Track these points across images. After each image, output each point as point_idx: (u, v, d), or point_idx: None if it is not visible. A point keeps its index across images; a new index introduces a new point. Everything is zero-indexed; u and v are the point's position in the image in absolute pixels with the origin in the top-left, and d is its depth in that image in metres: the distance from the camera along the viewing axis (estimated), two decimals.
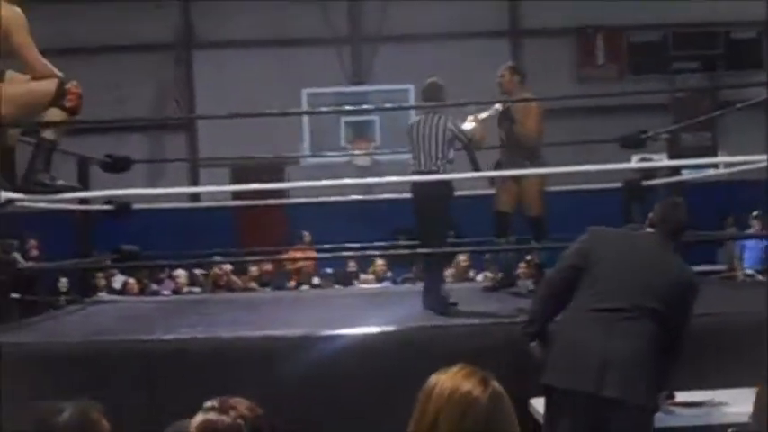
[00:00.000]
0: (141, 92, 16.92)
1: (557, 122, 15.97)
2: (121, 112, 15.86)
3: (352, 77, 17.13)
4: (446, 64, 15.02)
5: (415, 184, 6.78)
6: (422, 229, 6.85)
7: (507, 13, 17.69)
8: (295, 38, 17.09)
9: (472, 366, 2.40)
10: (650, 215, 4.69)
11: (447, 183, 6.74)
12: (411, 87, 14.60)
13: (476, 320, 5.93)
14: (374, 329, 5.63)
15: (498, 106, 7.61)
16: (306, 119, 14.90)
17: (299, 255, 13.08)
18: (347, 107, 14.46)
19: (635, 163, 12.97)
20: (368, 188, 12.92)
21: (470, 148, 6.99)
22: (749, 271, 12.71)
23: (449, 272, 11.71)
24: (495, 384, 2.36)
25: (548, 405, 4.37)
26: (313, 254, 13.05)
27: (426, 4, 17.09)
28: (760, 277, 12.32)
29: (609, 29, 17.60)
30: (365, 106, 14.50)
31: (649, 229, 4.68)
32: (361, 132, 15.04)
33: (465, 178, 7.47)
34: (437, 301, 6.53)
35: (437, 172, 6.67)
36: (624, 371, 4.20)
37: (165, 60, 17.37)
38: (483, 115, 7.40)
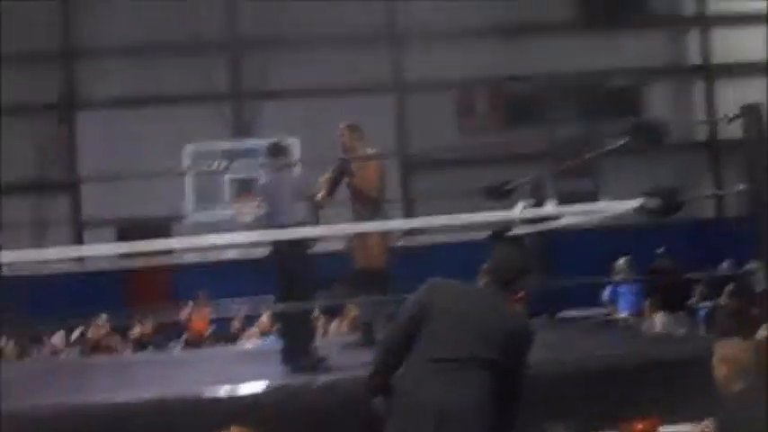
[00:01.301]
0: (22, 153, 16.63)
1: (440, 174, 16.42)
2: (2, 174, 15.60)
3: (236, 133, 17.11)
4: (330, 118, 15.10)
5: (272, 242, 6.81)
6: (282, 286, 6.84)
7: (390, 66, 17.88)
8: (177, 94, 17.01)
9: (245, 427, 2.44)
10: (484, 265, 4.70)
11: (303, 239, 6.77)
12: (296, 142, 14.63)
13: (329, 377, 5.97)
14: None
15: (331, 173, 7.70)
16: (189, 176, 14.77)
17: (193, 314, 12.97)
18: (230, 164, 14.38)
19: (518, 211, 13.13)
20: (255, 244, 12.87)
21: (314, 205, 7.07)
22: (623, 314, 12.96)
23: (339, 325, 11.72)
24: None
25: None
26: (207, 312, 12.95)
27: (309, 59, 17.21)
28: (632, 320, 12.58)
29: (488, 81, 17.92)
30: (249, 161, 14.43)
31: (485, 279, 4.69)
32: (244, 188, 14.95)
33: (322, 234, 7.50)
34: (303, 357, 6.52)
35: (289, 226, 6.74)
36: (462, 423, 4.22)
37: (46, 121, 17.13)
38: (326, 176, 7.60)
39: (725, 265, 12.88)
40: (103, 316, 11.49)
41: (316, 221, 7.28)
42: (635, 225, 10.76)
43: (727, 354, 4.89)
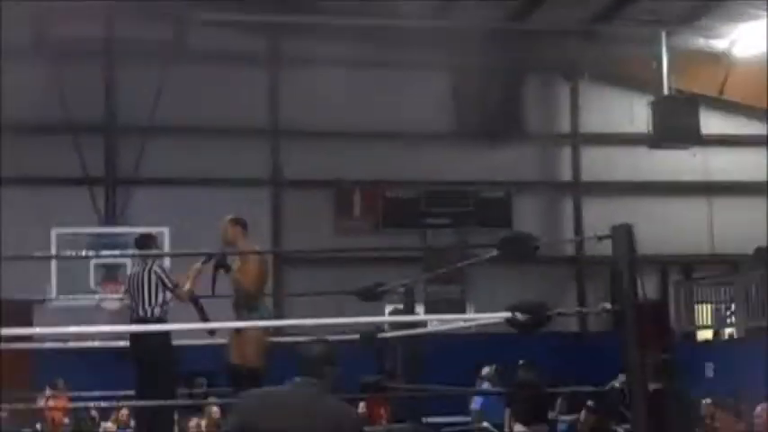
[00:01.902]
0: None
1: (315, 272, 16.39)
2: None
3: (105, 218, 16.81)
4: (205, 208, 15.01)
5: (132, 334, 6.72)
6: (141, 379, 6.70)
7: (269, 161, 17.89)
8: (48, 176, 16.66)
9: None
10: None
11: (165, 332, 6.72)
12: (166, 230, 14.46)
13: None
14: None
15: (199, 264, 7.62)
16: (54, 260, 14.44)
17: (51, 403, 12.54)
18: (97, 249, 14.10)
19: (387, 315, 13.29)
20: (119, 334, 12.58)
21: (178, 296, 7.00)
22: (484, 424, 13.01)
23: (198, 424, 11.46)
24: None
25: None
26: (66, 401, 12.52)
27: (187, 148, 17.12)
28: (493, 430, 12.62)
29: (365, 183, 18.09)
30: (116, 249, 14.17)
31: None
32: (111, 275, 14.68)
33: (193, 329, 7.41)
34: None
35: (151, 318, 6.68)
36: None
37: None
38: (196, 265, 7.53)
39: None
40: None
41: (201, 313, 7.20)
42: (503, 333, 10.87)
43: None
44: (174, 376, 6.81)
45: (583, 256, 18.36)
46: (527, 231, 8.00)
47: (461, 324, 9.61)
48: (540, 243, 6.87)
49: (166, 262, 13.09)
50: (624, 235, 5.91)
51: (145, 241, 7.39)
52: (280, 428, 4.27)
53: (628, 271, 5.87)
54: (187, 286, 7.08)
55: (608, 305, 6.08)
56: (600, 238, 6.09)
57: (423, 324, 9.93)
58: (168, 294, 6.91)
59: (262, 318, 7.75)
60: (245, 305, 7.66)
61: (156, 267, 6.97)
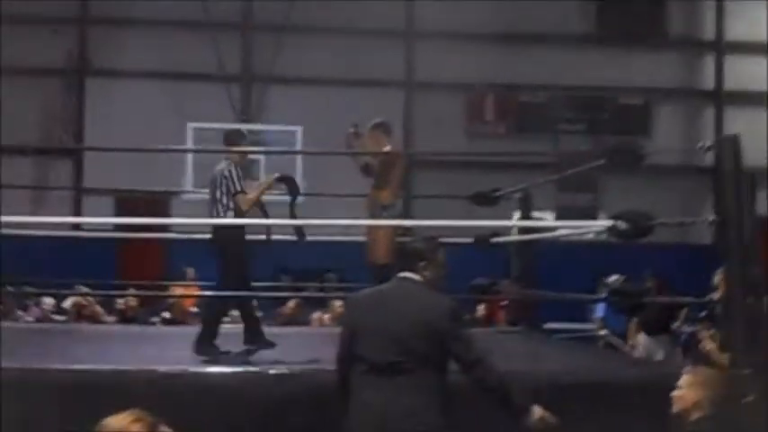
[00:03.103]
0: (29, 116, 16.71)
1: (446, 175, 16.43)
2: (7, 136, 15.68)
3: (240, 115, 17.16)
4: (336, 109, 15.19)
5: (213, 228, 6.88)
6: (217, 274, 6.92)
7: (402, 64, 17.89)
8: (186, 72, 17.08)
9: (143, 412, 2.47)
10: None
11: (237, 228, 6.84)
12: (299, 129, 14.70)
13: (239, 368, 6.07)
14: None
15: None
16: (190, 154, 14.84)
17: (180, 291, 12.95)
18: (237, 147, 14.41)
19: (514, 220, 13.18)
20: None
21: (237, 201, 6.96)
22: (603, 332, 12.92)
23: (321, 317, 11.73)
24: (164, 429, 2.45)
25: None
26: (195, 291, 12.93)
27: (322, 49, 17.25)
28: (614, 339, 12.52)
29: (499, 87, 17.94)
30: (251, 146, 14.48)
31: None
32: (246, 172, 14.99)
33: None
34: (205, 347, 6.62)
35: (220, 216, 6.82)
36: (403, 426, 4.33)
37: (56, 85, 17.23)
38: (268, 179, 7.66)
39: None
40: (82, 287, 11.47)
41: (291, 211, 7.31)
42: (633, 244, 10.78)
43: (696, 381, 4.91)
44: (244, 274, 6.90)
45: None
46: (636, 141, 7.86)
47: (567, 231, 9.51)
48: (648, 153, 6.75)
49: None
50: (730, 146, 5.80)
51: (233, 138, 7.43)
52: (381, 322, 4.49)
53: (732, 182, 5.77)
54: (250, 196, 7.03)
55: (713, 217, 5.96)
56: (707, 149, 5.99)
57: (543, 230, 9.94)
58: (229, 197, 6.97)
59: (393, 217, 7.94)
60: (381, 204, 7.84)
61: (226, 170, 7.00)
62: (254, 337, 6.81)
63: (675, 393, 4.86)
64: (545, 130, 17.80)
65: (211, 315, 6.95)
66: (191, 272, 13.87)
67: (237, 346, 6.74)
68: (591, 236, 15.53)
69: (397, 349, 4.42)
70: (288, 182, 7.46)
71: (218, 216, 6.85)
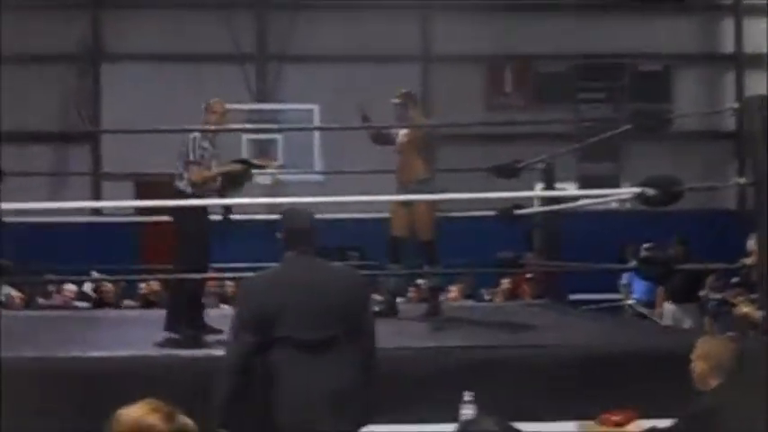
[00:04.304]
0: (45, 102, 16.69)
1: (466, 148, 16.30)
2: (25, 122, 15.67)
3: (257, 95, 17.07)
4: (354, 86, 15.08)
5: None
6: (176, 252, 6.75)
7: (418, 37, 17.75)
8: (201, 53, 17.00)
9: (159, 401, 2.41)
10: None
11: (198, 206, 6.66)
12: (316, 108, 14.58)
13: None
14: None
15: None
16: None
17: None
18: (250, 125, 14.36)
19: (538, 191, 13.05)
20: (272, 207, 12.88)
21: (190, 171, 6.78)
22: (631, 301, 12.84)
23: None
24: (182, 419, 2.40)
25: None
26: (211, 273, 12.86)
27: (336, 25, 17.14)
28: (642, 309, 12.44)
29: (517, 58, 17.77)
30: (269, 125, 14.42)
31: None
32: (264, 151, 14.92)
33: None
34: (176, 329, 6.49)
35: (183, 191, 6.66)
36: (347, 401, 4.29)
37: (71, 71, 17.17)
38: (232, 165, 7.40)
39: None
40: (94, 273, 11.37)
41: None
42: (656, 211, 10.66)
43: (706, 350, 4.95)
44: (197, 255, 6.67)
45: (743, 131, 17.66)
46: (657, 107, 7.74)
47: (589, 201, 9.39)
48: (672, 116, 6.62)
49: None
50: (758, 107, 5.67)
51: (209, 106, 7.25)
52: (304, 299, 4.39)
53: (762, 144, 5.64)
54: (206, 172, 6.81)
55: (741, 180, 5.84)
56: (733, 111, 5.86)
57: (565, 201, 9.82)
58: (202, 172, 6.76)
59: (432, 192, 7.82)
60: (417, 179, 7.70)
61: (190, 138, 6.79)
62: (173, 326, 6.56)
63: (694, 362, 4.87)
64: (565, 100, 17.60)
65: (177, 298, 6.75)
66: None
67: None
68: (614, 205, 15.47)
69: (327, 324, 4.36)
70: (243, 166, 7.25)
71: (176, 187, 6.70)
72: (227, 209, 7.14)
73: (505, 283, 12.57)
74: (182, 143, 6.77)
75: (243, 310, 4.48)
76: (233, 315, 4.56)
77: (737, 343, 5.23)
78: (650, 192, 5.86)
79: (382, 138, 8.12)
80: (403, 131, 7.96)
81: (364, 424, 4.41)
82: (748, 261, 6.21)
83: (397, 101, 8.00)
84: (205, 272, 6.87)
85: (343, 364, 4.34)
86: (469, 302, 11.98)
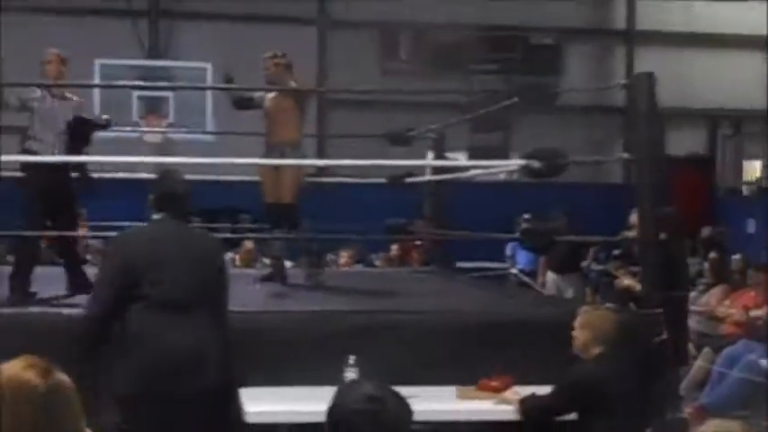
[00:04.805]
0: None
1: (360, 114, 16.31)
2: None
3: (149, 51, 16.79)
4: (247, 45, 14.91)
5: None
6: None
7: (315, 1, 17.65)
8: (93, 7, 16.62)
9: (36, 357, 2.43)
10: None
11: (33, 165, 6.57)
12: (209, 66, 14.41)
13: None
14: None
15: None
16: (97, 91, 14.46)
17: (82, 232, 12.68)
18: (142, 82, 14.14)
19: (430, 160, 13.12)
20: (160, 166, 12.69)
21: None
22: (514, 270, 13.10)
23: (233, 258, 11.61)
24: (59, 375, 2.40)
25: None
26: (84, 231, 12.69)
27: None
28: (525, 278, 12.70)
29: (413, 26, 17.78)
30: (160, 82, 14.22)
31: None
32: (154, 108, 14.72)
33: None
34: (18, 288, 6.37)
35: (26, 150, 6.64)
36: (189, 361, 4.36)
37: None
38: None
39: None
40: None
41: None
42: (543, 183, 10.82)
43: (589, 320, 5.10)
44: (34, 214, 6.57)
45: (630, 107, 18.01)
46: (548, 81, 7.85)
47: (479, 171, 9.51)
48: (561, 91, 6.73)
49: None
50: (644, 83, 5.79)
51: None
52: (169, 260, 4.50)
53: (645, 120, 5.78)
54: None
55: (625, 154, 5.98)
56: (622, 87, 5.99)
57: (456, 170, 9.89)
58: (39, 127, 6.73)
59: (303, 156, 7.80)
60: (287, 143, 7.66)
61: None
62: (16, 284, 6.42)
63: (576, 331, 5.02)
64: (458, 70, 17.69)
65: (21, 256, 6.66)
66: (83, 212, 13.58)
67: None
68: (503, 176, 15.66)
69: (188, 285, 4.47)
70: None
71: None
72: (80, 166, 7.00)
73: (394, 249, 12.65)
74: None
75: (106, 266, 4.60)
76: (98, 270, 4.68)
77: (618, 314, 5.39)
78: (535, 164, 5.95)
79: (244, 102, 8.01)
80: (270, 95, 7.83)
81: (229, 384, 4.55)
82: (630, 234, 6.37)
83: (269, 62, 7.83)
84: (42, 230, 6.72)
85: (203, 324, 4.43)
86: (358, 267, 12.04)
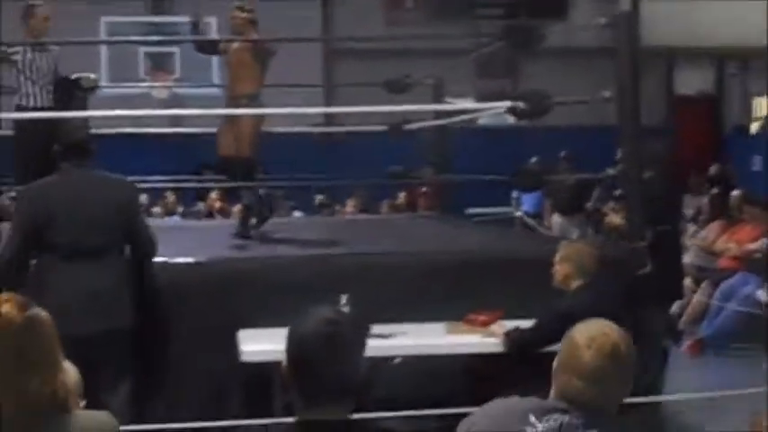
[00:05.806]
0: None
1: (365, 64, 16.31)
2: None
3: (153, 8, 16.82)
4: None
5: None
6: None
7: None
8: None
9: (13, 293, 2.57)
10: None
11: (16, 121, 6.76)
12: (213, 20, 14.46)
13: None
14: None
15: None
16: (104, 48, 14.60)
17: None
18: (147, 38, 14.26)
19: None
20: (172, 121, 12.91)
21: None
22: (518, 213, 13.20)
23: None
24: (36, 309, 2.54)
25: None
26: None
27: None
28: (530, 220, 12.81)
29: None
30: (166, 37, 14.32)
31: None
32: (160, 64, 14.84)
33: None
34: None
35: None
36: (88, 304, 4.70)
37: None
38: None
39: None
40: None
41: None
42: (546, 126, 10.90)
43: (568, 253, 5.23)
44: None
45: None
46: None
47: (475, 115, 9.59)
48: (548, 32, 6.83)
49: None
50: (626, 22, 5.89)
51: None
52: (76, 208, 4.82)
53: (628, 59, 5.88)
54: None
55: (607, 93, 6.09)
56: (603, 26, 6.08)
57: (453, 115, 9.91)
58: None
59: (261, 106, 7.48)
60: (245, 95, 7.36)
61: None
62: None
63: (557, 265, 5.16)
64: (464, 16, 17.63)
65: None
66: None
67: None
68: (512, 121, 15.64)
69: (93, 233, 4.79)
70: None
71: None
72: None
73: (401, 197, 12.78)
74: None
75: (17, 214, 4.96)
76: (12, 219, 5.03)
77: (597, 248, 5.52)
78: (521, 105, 6.06)
79: (208, 46, 8.00)
80: (234, 45, 7.63)
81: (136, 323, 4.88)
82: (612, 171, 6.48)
83: (236, 12, 7.65)
84: None
85: (106, 269, 4.78)
86: (363, 216, 12.16)
